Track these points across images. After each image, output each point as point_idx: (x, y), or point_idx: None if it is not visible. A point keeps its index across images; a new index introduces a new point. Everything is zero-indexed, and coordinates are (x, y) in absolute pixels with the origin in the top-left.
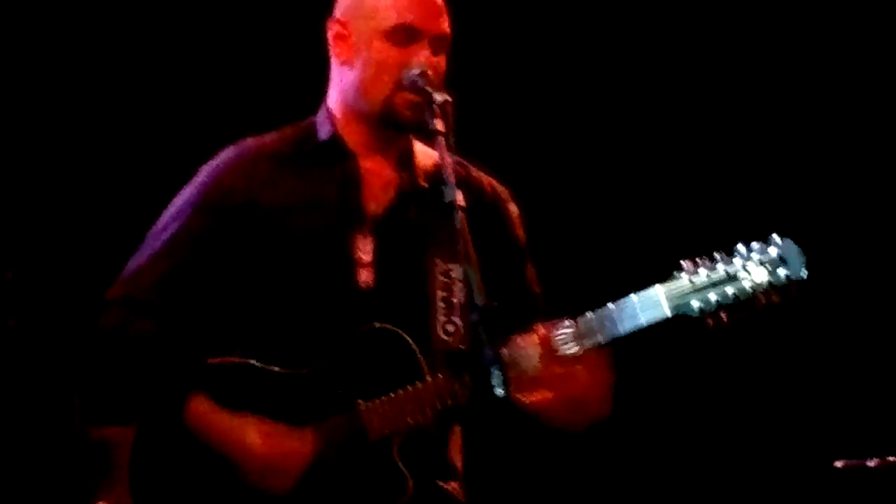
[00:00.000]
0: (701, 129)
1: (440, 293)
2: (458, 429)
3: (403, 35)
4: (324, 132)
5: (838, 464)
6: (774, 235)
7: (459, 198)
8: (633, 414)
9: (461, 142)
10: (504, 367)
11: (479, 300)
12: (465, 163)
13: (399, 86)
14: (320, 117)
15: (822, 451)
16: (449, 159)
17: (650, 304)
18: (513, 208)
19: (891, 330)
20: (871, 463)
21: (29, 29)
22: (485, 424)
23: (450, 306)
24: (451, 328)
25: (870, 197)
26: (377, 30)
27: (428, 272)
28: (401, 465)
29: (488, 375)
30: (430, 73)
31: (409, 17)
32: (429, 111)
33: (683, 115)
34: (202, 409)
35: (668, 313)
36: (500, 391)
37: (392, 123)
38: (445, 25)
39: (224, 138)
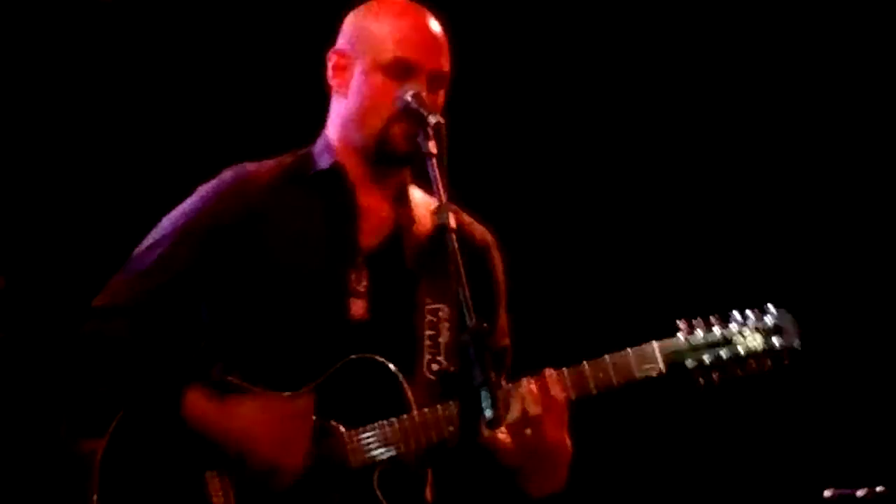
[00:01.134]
0: (696, 188)
1: (428, 331)
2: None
3: (400, 70)
4: (324, 161)
5: (827, 493)
6: (769, 306)
7: (452, 220)
8: (623, 447)
9: (455, 184)
10: (493, 387)
11: (469, 321)
12: (456, 208)
13: (394, 118)
14: (319, 147)
15: (811, 480)
16: (441, 181)
17: (645, 359)
18: (496, 256)
19: (879, 362)
20: (860, 493)
21: (32, 48)
22: (463, 467)
23: (436, 345)
24: (435, 367)
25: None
26: (375, 63)
27: (418, 310)
28: (379, 494)
29: (478, 396)
30: (423, 93)
31: (406, 53)
32: (422, 133)
33: (681, 173)
34: (198, 396)
35: (663, 368)
36: (489, 412)
37: (386, 156)
38: (444, 62)
39: (222, 159)
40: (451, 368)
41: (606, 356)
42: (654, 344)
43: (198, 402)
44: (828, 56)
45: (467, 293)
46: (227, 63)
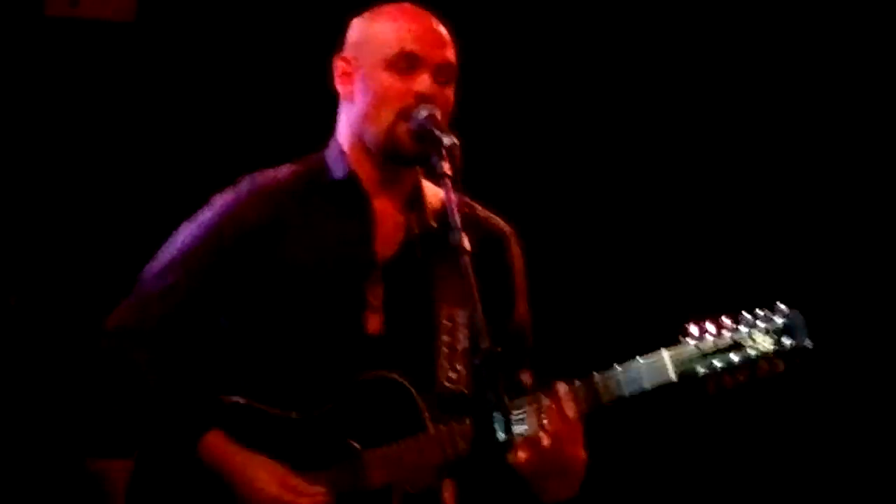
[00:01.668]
0: (703, 189)
1: (445, 338)
2: (451, 483)
3: (404, 63)
4: (339, 170)
5: None
6: (780, 304)
7: (465, 242)
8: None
9: (469, 181)
10: (507, 410)
11: (482, 344)
12: (472, 202)
13: (401, 115)
14: (331, 154)
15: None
16: (455, 203)
17: (655, 369)
18: (516, 249)
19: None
20: None
21: (51, 67)
22: (481, 476)
23: (453, 352)
24: (453, 375)
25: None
26: (379, 61)
27: (434, 317)
28: None
29: (491, 419)
30: (437, 114)
31: (409, 46)
32: (436, 154)
33: (691, 175)
34: (218, 442)
35: (674, 378)
36: (501, 435)
37: (395, 156)
38: (449, 55)
39: (232, 168)
40: (466, 379)
41: (617, 366)
42: (664, 353)
43: (216, 449)
44: (831, 55)
45: (481, 316)
46: (235, 70)
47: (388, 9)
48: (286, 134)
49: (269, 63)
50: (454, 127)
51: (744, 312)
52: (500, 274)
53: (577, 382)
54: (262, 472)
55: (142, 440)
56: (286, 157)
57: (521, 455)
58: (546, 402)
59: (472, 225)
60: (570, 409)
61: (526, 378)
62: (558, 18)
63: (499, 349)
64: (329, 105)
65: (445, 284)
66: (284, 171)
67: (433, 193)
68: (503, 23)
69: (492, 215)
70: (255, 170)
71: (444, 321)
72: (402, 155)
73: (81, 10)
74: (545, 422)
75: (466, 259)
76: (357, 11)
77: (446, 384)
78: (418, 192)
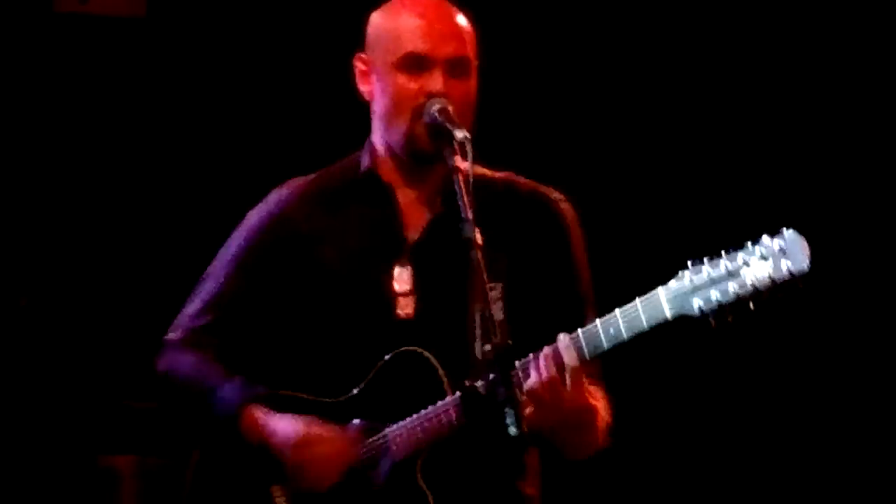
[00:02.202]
0: (709, 129)
1: (480, 313)
2: (531, 458)
3: (414, 63)
4: (363, 165)
5: None
6: (783, 229)
7: (477, 236)
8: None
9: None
10: (518, 405)
11: (494, 338)
12: (513, 177)
13: (417, 114)
14: (364, 151)
15: None
16: (466, 196)
17: (651, 307)
18: (568, 215)
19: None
20: None
21: (75, 74)
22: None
23: (489, 325)
24: (487, 347)
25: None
26: (390, 62)
27: (468, 295)
28: (423, 484)
29: (503, 414)
30: (449, 108)
31: (417, 46)
32: (448, 148)
33: (691, 116)
34: (254, 412)
35: (668, 315)
36: (513, 430)
37: (418, 156)
38: (462, 48)
39: (244, 164)
40: (508, 342)
41: (616, 310)
42: (660, 290)
43: (253, 420)
44: (829, 54)
45: (491, 312)
46: (246, 66)
47: (398, 4)
48: (299, 130)
49: (280, 57)
50: (480, 118)
51: (747, 242)
52: (550, 242)
53: (579, 330)
54: (290, 424)
55: (198, 435)
56: (298, 152)
57: (528, 410)
58: (546, 350)
59: (514, 199)
60: (570, 357)
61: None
62: (570, 17)
63: (510, 343)
64: (357, 101)
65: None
66: (320, 173)
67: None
68: (515, 19)
69: (539, 185)
70: (265, 164)
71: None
72: (423, 155)
73: (91, 6)
74: (543, 372)
75: (478, 253)
76: (374, 5)
77: (479, 357)
78: (449, 184)
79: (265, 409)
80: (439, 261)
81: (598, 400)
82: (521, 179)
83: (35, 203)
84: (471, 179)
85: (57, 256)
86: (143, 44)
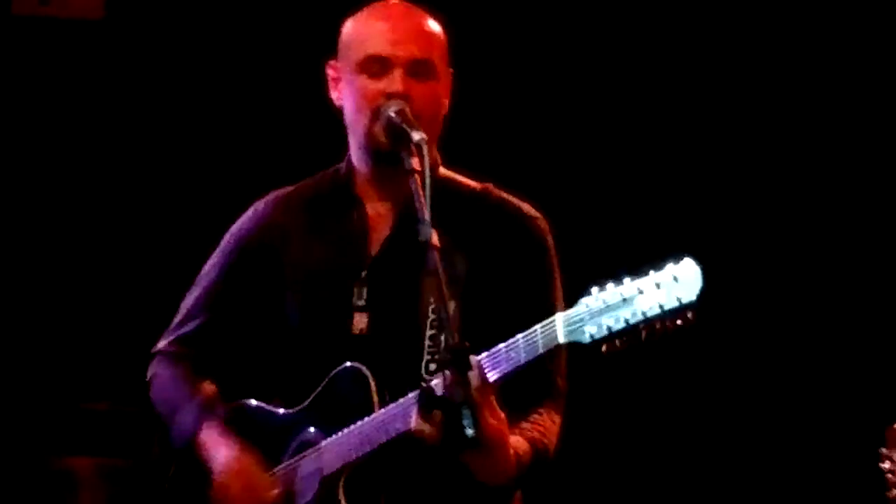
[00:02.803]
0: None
1: (429, 331)
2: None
3: (374, 66)
4: (339, 176)
5: None
6: (685, 257)
7: (434, 238)
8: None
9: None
10: (475, 407)
11: (451, 340)
12: (490, 187)
13: (377, 115)
14: (343, 162)
15: None
16: (423, 198)
17: (548, 332)
18: (539, 232)
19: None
20: None
21: (68, 82)
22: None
23: (437, 344)
24: (433, 366)
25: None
26: (353, 65)
27: (420, 313)
28: (343, 500)
29: (459, 415)
30: (406, 109)
31: (377, 48)
32: (405, 150)
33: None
34: (206, 435)
35: (562, 340)
36: (469, 431)
37: (378, 156)
38: (425, 51)
39: (206, 163)
40: (465, 343)
41: (519, 335)
42: (559, 315)
43: (203, 443)
44: (827, 55)
45: (448, 312)
46: (204, 67)
47: (366, 10)
48: (258, 130)
49: (240, 57)
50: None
51: (647, 269)
52: (520, 257)
53: (485, 353)
54: (222, 456)
55: (173, 448)
56: (255, 153)
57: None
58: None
59: (482, 207)
60: (475, 379)
61: None
62: (555, 19)
63: (467, 344)
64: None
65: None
66: (302, 183)
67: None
68: (499, 22)
69: (513, 199)
70: (224, 164)
71: (431, 314)
72: (381, 154)
73: (50, 8)
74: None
75: (435, 255)
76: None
77: (425, 375)
78: (411, 196)
79: (217, 433)
80: (395, 276)
81: (526, 430)
82: (497, 191)
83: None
84: (427, 181)
85: (11, 257)
86: (101, 45)
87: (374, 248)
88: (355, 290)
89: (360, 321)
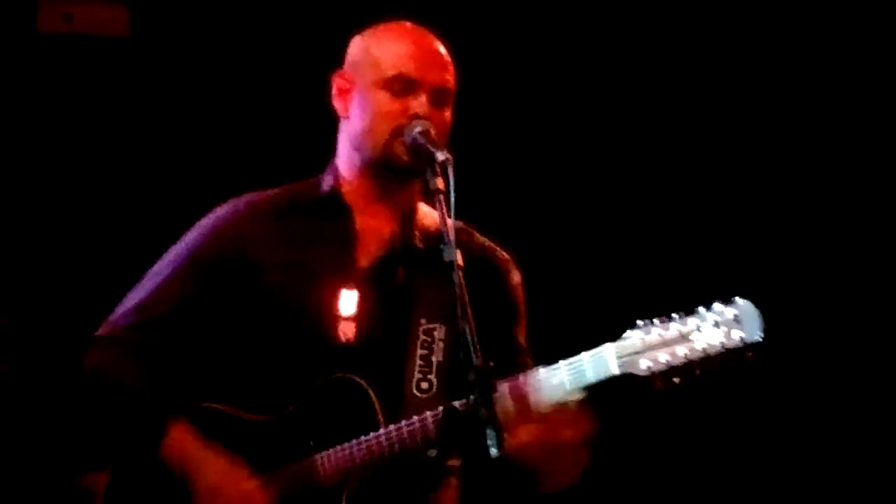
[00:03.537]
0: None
1: (420, 351)
2: (452, 483)
3: (401, 85)
4: (325, 186)
5: None
6: (737, 298)
7: (459, 258)
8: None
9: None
10: (499, 426)
11: (476, 360)
12: (469, 228)
13: (397, 133)
14: (326, 172)
15: None
16: (449, 218)
17: (599, 362)
18: (514, 276)
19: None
20: None
21: (58, 89)
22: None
23: (428, 364)
24: (425, 385)
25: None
26: (376, 81)
27: (410, 329)
28: None
29: (483, 435)
30: (431, 130)
31: (407, 68)
32: (429, 170)
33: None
34: (178, 436)
35: (616, 371)
36: (494, 451)
37: (392, 170)
38: (447, 79)
39: (225, 182)
40: (442, 389)
41: (561, 361)
42: (609, 346)
43: (175, 444)
44: (827, 56)
45: (474, 331)
46: (229, 86)
47: (389, 28)
48: (280, 148)
49: (263, 77)
50: (451, 148)
51: (699, 307)
52: (495, 300)
53: (521, 377)
54: (210, 464)
55: (116, 445)
56: (278, 170)
57: (525, 436)
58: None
59: (468, 250)
60: (508, 399)
61: None
62: (554, 33)
63: (492, 364)
64: (329, 124)
65: (426, 301)
66: (276, 191)
67: (428, 216)
68: (502, 40)
69: (489, 242)
70: (246, 183)
71: (422, 334)
72: (396, 167)
73: (74, 25)
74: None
75: (460, 275)
76: (357, 28)
77: (416, 393)
78: (412, 213)
79: (192, 435)
80: (385, 290)
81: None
82: (475, 232)
83: (17, 220)
84: (452, 201)
85: (39, 273)
86: (126, 63)
87: (365, 260)
88: (341, 297)
89: (347, 330)
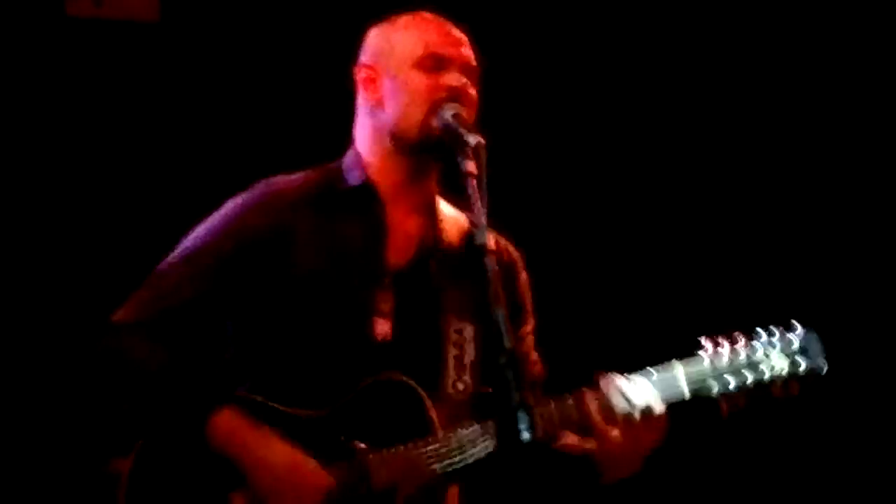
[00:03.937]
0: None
1: (452, 350)
2: (455, 487)
3: (432, 63)
4: (354, 177)
5: None
6: (795, 323)
7: (490, 241)
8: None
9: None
10: (530, 410)
11: (507, 343)
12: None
13: (435, 108)
14: (349, 162)
15: None
16: (480, 202)
17: (669, 384)
18: (523, 274)
19: None
20: None
21: (71, 71)
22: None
23: (460, 364)
24: (460, 386)
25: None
26: (407, 62)
27: (442, 329)
28: None
29: (515, 419)
30: (463, 113)
31: (437, 47)
32: (461, 153)
33: (706, 188)
34: (229, 419)
35: (687, 395)
36: (526, 435)
37: (427, 148)
38: (473, 56)
39: (248, 172)
40: (479, 389)
41: (625, 378)
42: (679, 367)
43: (226, 427)
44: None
45: (506, 315)
46: (260, 70)
47: (409, 16)
48: (307, 134)
49: (292, 62)
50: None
51: (759, 330)
52: (508, 297)
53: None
54: (275, 449)
55: (146, 430)
56: (307, 159)
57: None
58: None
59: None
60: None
61: None
62: (569, 31)
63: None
64: (349, 113)
65: (455, 298)
66: (299, 178)
67: (448, 211)
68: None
69: (502, 239)
70: (275, 171)
71: (453, 333)
72: (430, 145)
73: (104, 9)
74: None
75: (492, 258)
76: (375, 19)
77: (451, 393)
78: (433, 207)
79: (246, 419)
80: (421, 286)
81: None
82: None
83: (42, 206)
84: (484, 184)
85: (61, 257)
86: (156, 48)
87: (399, 257)
88: (378, 295)
89: (383, 327)
